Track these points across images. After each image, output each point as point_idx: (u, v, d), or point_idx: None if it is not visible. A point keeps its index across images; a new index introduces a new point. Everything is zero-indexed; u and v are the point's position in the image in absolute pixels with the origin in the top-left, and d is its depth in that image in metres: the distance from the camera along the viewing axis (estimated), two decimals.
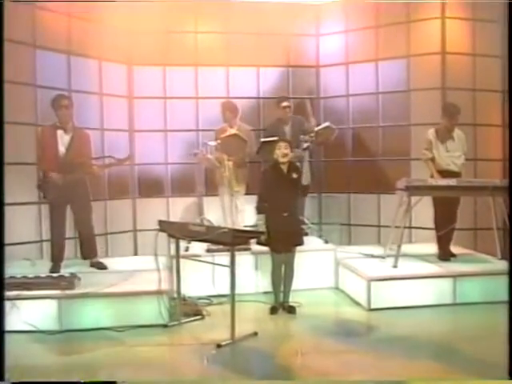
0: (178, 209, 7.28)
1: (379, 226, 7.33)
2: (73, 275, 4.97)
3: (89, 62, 6.73)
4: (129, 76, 7.22)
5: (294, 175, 5.08)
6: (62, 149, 5.37)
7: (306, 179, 4.98)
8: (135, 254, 7.17)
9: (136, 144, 7.26)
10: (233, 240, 4.28)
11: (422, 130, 6.39)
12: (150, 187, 7.29)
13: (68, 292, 4.70)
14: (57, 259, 5.50)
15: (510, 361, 3.28)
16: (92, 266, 5.66)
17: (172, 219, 6.68)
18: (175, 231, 4.74)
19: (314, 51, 7.71)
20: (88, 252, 5.68)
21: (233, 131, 6.21)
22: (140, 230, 7.22)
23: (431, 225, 6.16)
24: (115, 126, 7.03)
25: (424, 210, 6.20)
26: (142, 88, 7.24)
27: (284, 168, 5.08)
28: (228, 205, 6.39)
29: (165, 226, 4.85)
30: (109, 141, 6.92)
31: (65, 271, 5.23)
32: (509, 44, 3.83)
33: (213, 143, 6.17)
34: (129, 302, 4.77)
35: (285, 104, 6.66)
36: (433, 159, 5.98)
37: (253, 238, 4.85)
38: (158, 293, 4.75)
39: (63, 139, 5.38)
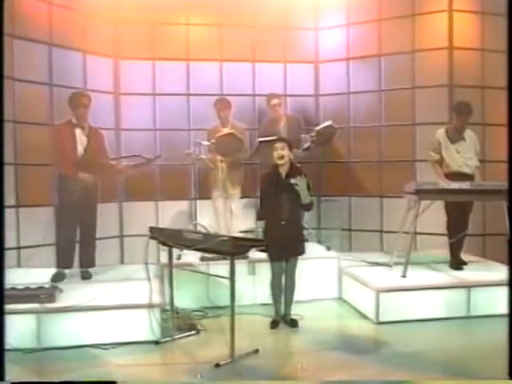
0: (168, 213, 6.96)
1: (381, 232, 7.09)
2: (53, 286, 4.68)
3: (72, 55, 6.40)
4: (115, 70, 6.91)
5: (293, 180, 4.63)
6: (80, 148, 5.20)
7: (304, 197, 4.62)
8: (121, 261, 6.83)
9: (122, 143, 6.92)
10: (233, 249, 3.94)
11: (428, 130, 6.21)
12: (138, 190, 6.91)
13: (48, 305, 4.37)
14: (64, 265, 5.24)
15: (509, 361, 3.24)
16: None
17: (161, 224, 6.41)
18: (169, 239, 4.41)
19: (313, 46, 7.46)
20: (90, 261, 5.39)
21: (226, 130, 5.92)
22: (127, 236, 6.90)
23: (436, 230, 5.97)
24: (101, 124, 6.64)
25: (429, 215, 5.84)
26: (129, 83, 6.93)
27: (283, 171, 4.73)
28: (222, 209, 6.15)
29: (157, 233, 4.50)
30: None
31: (44, 282, 4.88)
32: (508, 39, 3.76)
33: (206, 143, 5.89)
34: (116, 316, 4.44)
35: (275, 102, 6.34)
36: (440, 162, 5.71)
37: (254, 246, 4.49)
38: (149, 306, 4.44)
39: (81, 138, 5.23)
